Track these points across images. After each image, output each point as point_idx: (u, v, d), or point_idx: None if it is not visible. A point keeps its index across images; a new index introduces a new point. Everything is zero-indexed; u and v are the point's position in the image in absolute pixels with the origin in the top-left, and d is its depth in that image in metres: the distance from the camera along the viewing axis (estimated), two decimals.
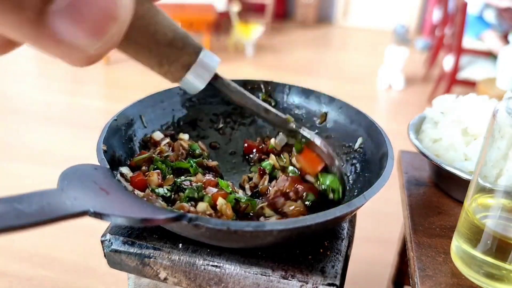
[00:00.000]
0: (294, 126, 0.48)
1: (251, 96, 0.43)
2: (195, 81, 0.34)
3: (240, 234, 0.37)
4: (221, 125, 0.66)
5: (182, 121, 0.62)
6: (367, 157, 0.54)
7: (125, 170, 0.47)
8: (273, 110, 0.45)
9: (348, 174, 0.56)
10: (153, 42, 0.31)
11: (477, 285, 0.46)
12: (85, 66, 0.23)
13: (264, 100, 0.65)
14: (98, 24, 0.19)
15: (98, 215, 0.30)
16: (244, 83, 0.66)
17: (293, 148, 0.51)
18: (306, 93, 0.64)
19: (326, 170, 0.48)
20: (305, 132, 0.48)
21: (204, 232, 0.38)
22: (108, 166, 0.43)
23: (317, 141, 0.48)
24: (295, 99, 0.65)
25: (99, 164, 0.43)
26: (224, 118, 0.66)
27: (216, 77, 0.37)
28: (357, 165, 0.56)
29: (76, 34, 0.19)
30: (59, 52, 0.20)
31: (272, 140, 0.56)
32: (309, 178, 0.49)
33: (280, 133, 0.52)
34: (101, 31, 0.20)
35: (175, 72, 0.33)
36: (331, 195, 0.48)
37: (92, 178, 0.37)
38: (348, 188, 0.54)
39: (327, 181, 0.48)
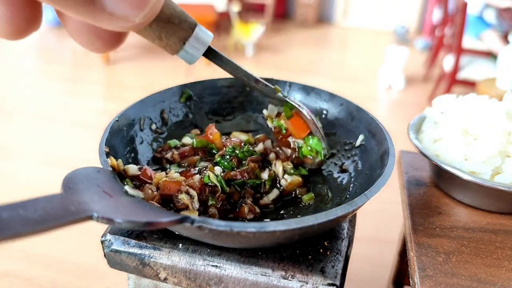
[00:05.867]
0: (282, 95, 0.54)
1: (242, 67, 0.47)
2: (191, 53, 0.38)
3: (243, 235, 0.37)
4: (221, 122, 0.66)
5: (182, 120, 0.62)
6: (368, 154, 0.54)
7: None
8: (263, 80, 0.50)
9: (350, 171, 0.56)
10: (154, 18, 0.35)
11: (476, 285, 0.46)
12: (134, 31, 0.28)
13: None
14: None
15: (102, 220, 0.30)
16: None
17: (283, 114, 0.58)
18: (307, 90, 0.64)
19: (310, 134, 0.56)
20: (292, 101, 0.55)
21: (207, 233, 0.38)
22: (111, 169, 0.43)
23: (303, 110, 0.55)
24: (295, 96, 0.65)
25: (101, 166, 0.43)
26: (224, 116, 0.66)
27: (210, 50, 0.41)
28: (359, 162, 0.56)
29: (123, 7, 0.23)
30: (110, 24, 0.24)
31: (265, 111, 0.60)
32: (296, 141, 0.58)
33: (270, 104, 0.58)
34: (143, 3, 0.24)
35: (173, 45, 0.37)
36: (314, 157, 0.56)
37: (95, 182, 0.37)
38: (350, 184, 0.54)
39: (312, 143, 0.56)
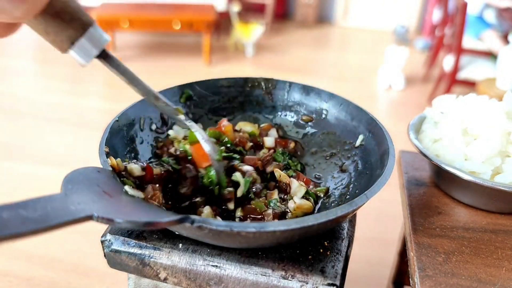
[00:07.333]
0: (182, 119, 0.48)
1: (142, 81, 0.43)
2: (81, 55, 0.36)
3: (243, 235, 0.37)
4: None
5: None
6: (368, 154, 0.54)
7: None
8: (163, 98, 0.45)
9: (350, 171, 0.56)
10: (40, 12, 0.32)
11: (476, 285, 0.46)
12: (15, 22, 0.26)
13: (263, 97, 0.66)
14: None
15: (102, 220, 0.30)
16: (245, 80, 0.66)
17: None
18: (307, 90, 0.64)
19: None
20: (194, 128, 0.49)
21: (207, 233, 0.38)
22: (111, 169, 0.43)
23: (202, 141, 0.49)
24: (295, 96, 0.65)
25: (101, 166, 0.43)
26: (224, 116, 0.66)
27: (106, 55, 0.38)
28: (359, 162, 0.56)
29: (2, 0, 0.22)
30: None
31: (171, 132, 0.56)
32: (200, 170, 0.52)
33: (175, 125, 0.54)
34: None
35: (60, 43, 0.35)
36: (212, 187, 0.50)
37: (95, 182, 0.37)
38: (349, 185, 0.54)
39: (211, 174, 0.50)
